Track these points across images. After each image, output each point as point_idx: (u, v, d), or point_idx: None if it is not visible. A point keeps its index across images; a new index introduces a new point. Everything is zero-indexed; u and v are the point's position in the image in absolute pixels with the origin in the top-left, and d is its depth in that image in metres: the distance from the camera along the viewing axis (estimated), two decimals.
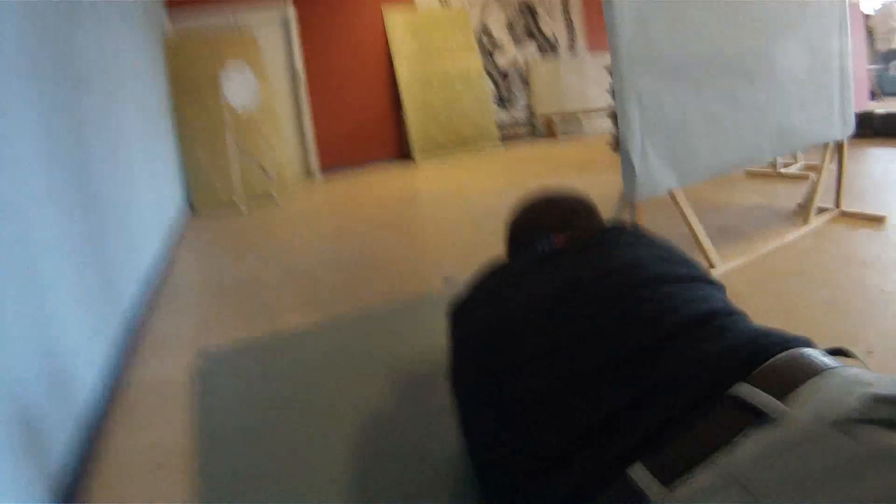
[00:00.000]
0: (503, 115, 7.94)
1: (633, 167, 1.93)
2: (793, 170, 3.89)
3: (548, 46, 8.25)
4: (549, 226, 1.34)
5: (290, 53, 6.85)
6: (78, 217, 1.89)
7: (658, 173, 2.02)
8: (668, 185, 2.07)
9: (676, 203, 2.17)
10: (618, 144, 1.99)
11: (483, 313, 1.08)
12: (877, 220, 2.61)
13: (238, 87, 5.25)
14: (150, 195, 3.50)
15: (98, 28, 2.82)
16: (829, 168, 2.82)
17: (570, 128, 8.05)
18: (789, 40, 2.42)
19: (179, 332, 2.27)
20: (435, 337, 1.73)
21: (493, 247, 2.80)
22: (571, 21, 8.38)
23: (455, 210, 3.98)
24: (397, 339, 1.87)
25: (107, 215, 2.29)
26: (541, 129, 8.03)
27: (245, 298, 2.55)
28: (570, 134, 8.01)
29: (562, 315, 0.93)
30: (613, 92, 1.95)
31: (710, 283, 1.02)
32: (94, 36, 2.72)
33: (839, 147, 2.80)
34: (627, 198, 2.01)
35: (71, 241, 1.78)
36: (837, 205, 2.80)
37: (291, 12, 6.74)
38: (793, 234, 2.56)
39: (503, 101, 7.98)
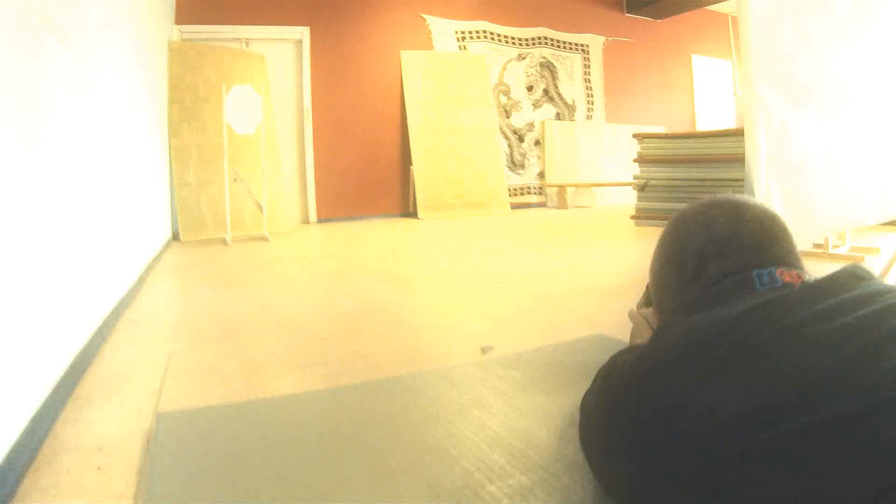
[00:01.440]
0: (514, 179, 7.57)
1: None
2: (842, 250, 3.57)
3: (566, 111, 8.00)
4: (738, 253, 0.86)
5: (299, 82, 6.43)
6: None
7: None
8: None
9: None
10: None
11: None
12: None
13: (241, 108, 4.81)
14: (130, 215, 2.97)
15: None
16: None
17: (583, 199, 7.69)
18: None
19: (132, 376, 1.69)
20: (484, 433, 1.17)
21: (522, 313, 2.28)
22: (591, 87, 8.20)
23: (469, 268, 3.48)
24: (431, 428, 1.23)
25: (66, 234, 1.73)
26: (553, 197, 7.66)
27: (223, 345, 1.99)
28: (581, 206, 7.64)
29: None
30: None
31: None
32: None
33: None
34: None
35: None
36: None
37: (306, 36, 6.38)
38: None
39: (515, 164, 7.63)
